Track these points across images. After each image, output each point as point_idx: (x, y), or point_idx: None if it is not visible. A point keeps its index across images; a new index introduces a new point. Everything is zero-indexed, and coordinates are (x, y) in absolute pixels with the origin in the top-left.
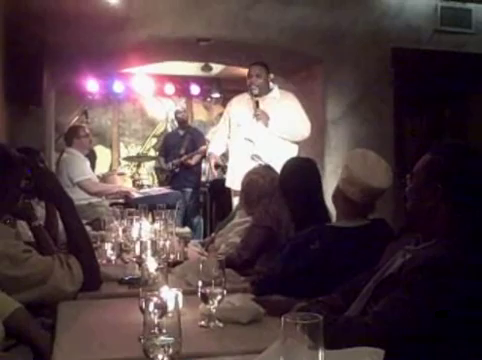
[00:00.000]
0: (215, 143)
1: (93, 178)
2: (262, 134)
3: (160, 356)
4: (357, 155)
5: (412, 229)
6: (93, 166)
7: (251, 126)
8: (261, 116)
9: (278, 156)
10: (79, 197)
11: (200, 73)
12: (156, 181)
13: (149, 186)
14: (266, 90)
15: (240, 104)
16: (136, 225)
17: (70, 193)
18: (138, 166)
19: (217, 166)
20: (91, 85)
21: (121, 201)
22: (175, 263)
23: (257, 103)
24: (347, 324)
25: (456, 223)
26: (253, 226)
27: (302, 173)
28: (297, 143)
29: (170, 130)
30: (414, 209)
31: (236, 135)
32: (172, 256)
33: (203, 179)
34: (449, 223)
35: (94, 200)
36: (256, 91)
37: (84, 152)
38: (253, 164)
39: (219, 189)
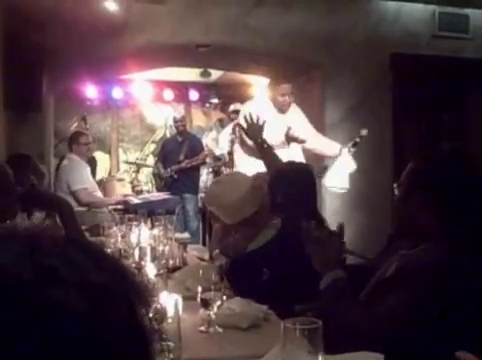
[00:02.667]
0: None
1: (91, 187)
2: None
3: None
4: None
5: (402, 236)
6: (94, 172)
7: (277, 139)
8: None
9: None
10: (76, 203)
11: (199, 79)
12: (155, 187)
13: (148, 192)
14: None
15: (266, 116)
16: (135, 231)
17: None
18: (137, 172)
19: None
20: (90, 91)
21: (120, 207)
22: (174, 268)
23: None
24: (347, 326)
25: (443, 228)
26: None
27: (298, 179)
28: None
29: (169, 136)
30: (401, 217)
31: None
32: (171, 261)
33: (201, 184)
34: (436, 228)
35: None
36: (287, 109)
37: (84, 159)
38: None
39: None
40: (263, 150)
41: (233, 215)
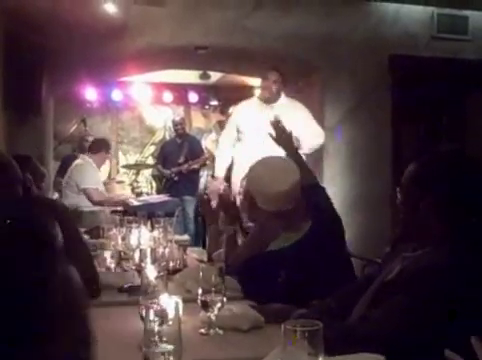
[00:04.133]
0: (220, 162)
1: (100, 188)
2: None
3: None
4: (257, 166)
5: (406, 239)
6: None
7: (261, 132)
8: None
9: None
10: (84, 204)
11: (198, 81)
12: (154, 189)
13: (148, 194)
14: (277, 97)
15: (250, 110)
16: (135, 233)
17: (75, 198)
18: (137, 174)
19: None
20: (90, 93)
21: (120, 209)
22: (175, 270)
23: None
24: (346, 330)
25: (448, 230)
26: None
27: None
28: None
29: (168, 138)
30: (405, 220)
31: (244, 142)
32: (171, 263)
33: (201, 187)
34: (440, 231)
35: (96, 208)
36: (268, 96)
37: (98, 165)
38: None
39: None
40: (298, 157)
41: (270, 204)
